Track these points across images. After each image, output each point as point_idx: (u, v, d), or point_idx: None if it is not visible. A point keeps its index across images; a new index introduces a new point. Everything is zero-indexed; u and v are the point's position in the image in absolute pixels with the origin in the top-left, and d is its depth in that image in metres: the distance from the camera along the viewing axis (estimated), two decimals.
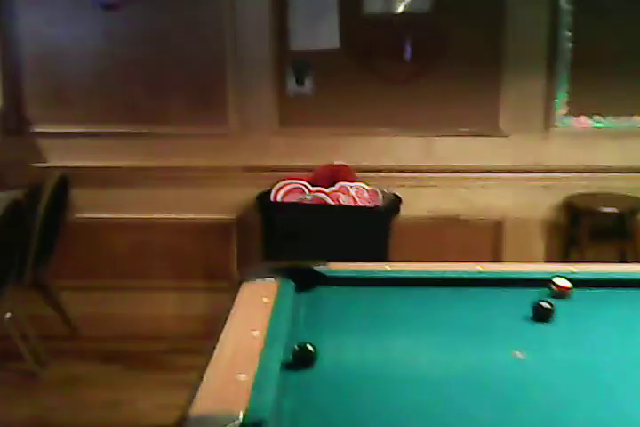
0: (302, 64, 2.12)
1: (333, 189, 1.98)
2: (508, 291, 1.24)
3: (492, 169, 2.17)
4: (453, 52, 2.11)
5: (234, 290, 1.20)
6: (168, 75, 2.14)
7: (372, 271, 1.30)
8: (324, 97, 2.14)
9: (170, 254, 2.22)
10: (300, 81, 2.12)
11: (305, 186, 1.98)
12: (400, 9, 2.07)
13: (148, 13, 2.10)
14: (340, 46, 2.10)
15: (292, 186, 1.98)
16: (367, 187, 2.00)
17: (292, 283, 1.22)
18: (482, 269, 1.30)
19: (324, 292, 1.24)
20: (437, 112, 2.15)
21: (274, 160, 2.16)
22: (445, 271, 1.30)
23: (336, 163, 2.08)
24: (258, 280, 1.22)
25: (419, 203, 2.16)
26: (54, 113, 2.16)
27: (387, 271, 1.30)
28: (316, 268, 1.26)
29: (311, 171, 2.12)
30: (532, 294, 1.19)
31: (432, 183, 2.16)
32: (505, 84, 2.12)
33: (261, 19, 2.10)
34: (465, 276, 1.29)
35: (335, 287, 1.24)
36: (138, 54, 2.13)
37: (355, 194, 1.98)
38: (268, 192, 2.08)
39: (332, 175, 2.02)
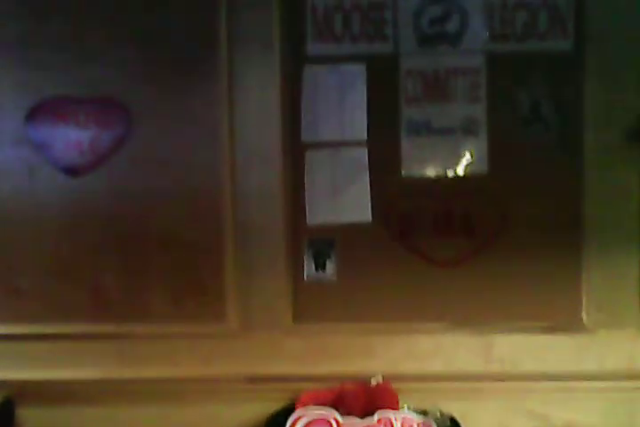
0: (323, 242, 1.66)
1: (371, 422, 1.47)
2: None
3: (573, 375, 1.66)
4: (518, 223, 1.64)
5: None
6: (148, 257, 1.65)
7: None
8: (350, 284, 1.65)
9: None
10: (319, 264, 1.65)
11: (333, 418, 1.46)
12: (450, 172, 1.63)
13: (124, 177, 1.66)
14: (371, 220, 1.65)
15: (313, 416, 1.47)
16: (417, 419, 1.49)
17: None
18: None
19: None
20: (499, 302, 1.65)
21: (286, 367, 1.63)
22: None
23: (373, 382, 1.57)
24: None
25: (476, 421, 1.65)
26: (2, 307, 1.68)
27: None
28: None
29: (336, 380, 1.62)
30: None
31: (494, 395, 1.64)
32: (588, 263, 1.63)
33: (269, 188, 1.66)
34: None
35: None
36: (109, 231, 1.67)
37: None
38: (281, 414, 1.57)
39: (366, 400, 1.52)
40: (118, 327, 1.64)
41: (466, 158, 1.60)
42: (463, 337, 1.63)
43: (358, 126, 1.61)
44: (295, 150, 1.63)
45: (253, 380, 1.62)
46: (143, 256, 1.65)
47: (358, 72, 1.60)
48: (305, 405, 1.47)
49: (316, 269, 1.63)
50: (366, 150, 1.61)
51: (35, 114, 1.63)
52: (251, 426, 1.60)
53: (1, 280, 1.65)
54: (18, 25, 1.63)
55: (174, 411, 1.62)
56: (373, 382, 1.54)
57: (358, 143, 1.62)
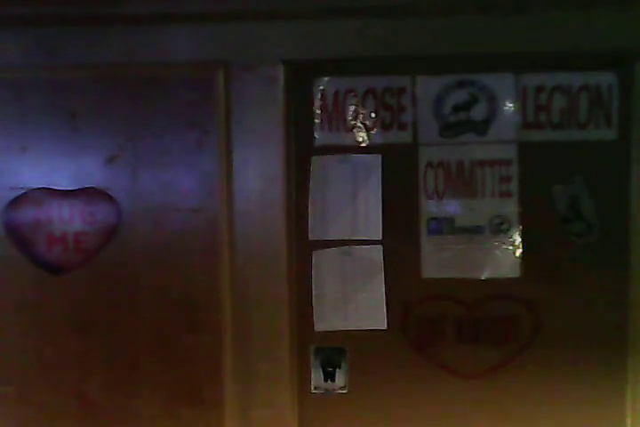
0: (332, 351, 1.50)
1: None
2: None
3: None
4: (552, 333, 1.46)
5: None
6: (138, 361, 1.52)
7: None
8: (363, 397, 1.47)
9: None
10: (328, 375, 1.49)
11: None
12: (476, 276, 1.45)
13: (112, 272, 1.52)
14: (387, 327, 1.48)
15: None
16: None
17: None
18: None
19: None
20: (528, 416, 1.49)
21: None
22: None
23: None
24: None
25: None
26: None
27: None
28: None
29: None
30: None
31: None
32: (634, 378, 1.46)
33: (273, 291, 1.50)
34: None
35: None
36: (96, 331, 1.52)
37: None
38: None
39: None
40: None
41: (495, 260, 1.43)
42: None
43: (373, 224, 1.44)
44: (301, 249, 1.47)
45: None
46: (132, 360, 1.50)
47: (373, 163, 1.43)
48: None
49: (325, 379, 1.47)
50: (381, 249, 1.45)
51: (16, 204, 1.50)
52: None
53: None
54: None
55: None
56: None
57: (372, 242, 1.45)
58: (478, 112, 1.41)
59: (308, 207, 1.45)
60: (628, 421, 1.43)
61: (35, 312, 1.51)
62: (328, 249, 1.46)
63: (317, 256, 1.46)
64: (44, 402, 1.51)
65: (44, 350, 1.51)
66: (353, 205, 1.44)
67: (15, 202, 1.48)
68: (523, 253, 1.41)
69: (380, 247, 1.44)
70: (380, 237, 1.43)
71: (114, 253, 1.50)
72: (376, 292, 1.45)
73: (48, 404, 1.52)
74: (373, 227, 1.44)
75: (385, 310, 1.45)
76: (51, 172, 1.49)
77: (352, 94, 1.42)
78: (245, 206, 1.48)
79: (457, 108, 1.41)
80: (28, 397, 1.52)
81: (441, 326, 1.45)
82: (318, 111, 1.43)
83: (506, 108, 1.40)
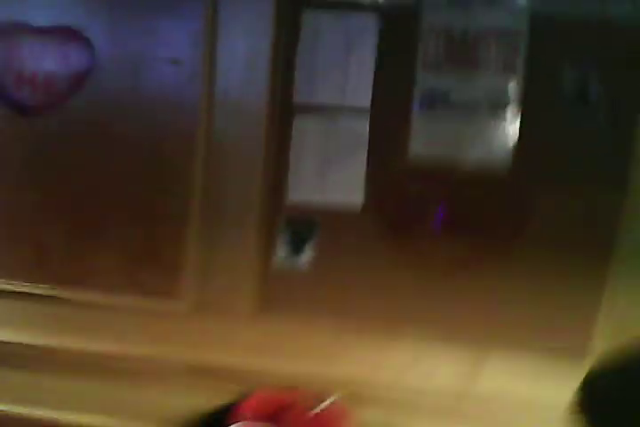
0: (303, 223, 1.42)
1: None
2: None
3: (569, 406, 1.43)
4: (538, 231, 1.36)
5: None
6: (101, 215, 1.44)
7: None
8: (327, 275, 1.40)
9: None
10: (295, 248, 1.42)
11: None
12: (467, 157, 1.34)
13: (82, 121, 1.43)
14: (363, 203, 1.40)
15: None
16: None
17: None
18: None
19: None
20: (498, 316, 1.40)
21: (240, 359, 1.40)
22: None
23: (326, 403, 1.35)
24: None
25: None
26: None
27: None
28: None
29: (292, 381, 1.40)
30: None
31: (472, 418, 1.42)
32: (612, 287, 1.36)
33: (249, 152, 1.41)
34: None
35: None
36: (61, 181, 1.45)
37: None
38: (221, 412, 1.38)
39: (314, 424, 1.30)
40: (60, 291, 1.46)
41: (488, 141, 1.32)
42: (446, 352, 1.39)
43: (362, 90, 1.33)
44: (284, 113, 1.37)
45: (199, 369, 1.43)
46: (95, 213, 1.43)
47: (369, 24, 1.31)
48: (246, 411, 1.28)
49: (291, 252, 1.40)
50: (368, 121, 1.34)
51: None
52: (188, 419, 1.42)
53: None
54: None
55: (110, 389, 1.44)
56: (327, 403, 1.31)
57: (359, 111, 1.34)
58: None
59: (294, 67, 1.34)
60: (600, 322, 1.35)
61: None
62: (311, 115, 1.36)
63: (300, 122, 1.36)
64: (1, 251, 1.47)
65: (5, 194, 1.45)
66: (344, 67, 1.33)
67: None
68: (520, 135, 1.31)
69: (366, 117, 1.34)
70: (368, 104, 1.33)
71: (85, 99, 1.40)
72: (356, 165, 1.36)
73: (3, 252, 1.47)
74: (363, 93, 1.33)
75: (363, 185, 1.36)
76: (22, 4, 1.38)
77: None
78: (229, 64, 1.37)
79: None
80: None
81: (420, 210, 1.36)
82: None
83: None
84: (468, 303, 1.37)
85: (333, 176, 1.36)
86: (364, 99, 1.33)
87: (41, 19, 1.38)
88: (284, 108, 1.36)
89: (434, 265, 1.36)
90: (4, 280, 1.47)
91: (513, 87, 1.29)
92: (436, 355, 1.38)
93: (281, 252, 1.40)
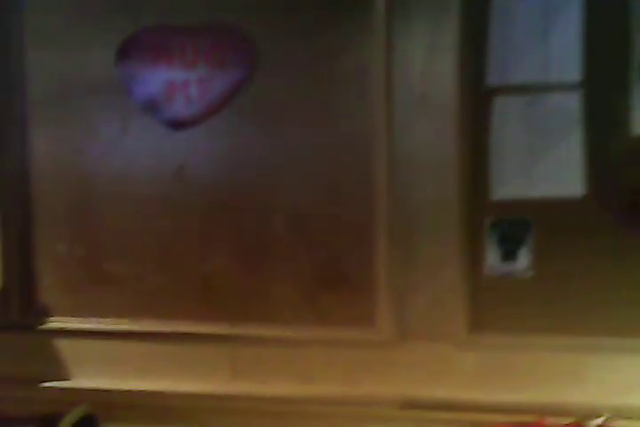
0: (513, 224, 1.22)
1: None
2: None
3: None
4: None
5: None
6: (274, 239, 1.25)
7: None
8: (549, 282, 1.17)
9: None
10: (508, 254, 1.22)
11: None
12: None
13: (241, 134, 1.27)
14: (583, 194, 1.20)
15: None
16: None
17: None
18: None
19: None
20: None
21: (455, 391, 1.19)
22: None
23: (592, 425, 1.13)
24: None
25: None
26: (84, 296, 1.32)
27: None
28: None
29: (525, 412, 1.18)
30: None
31: None
32: None
33: (439, 149, 1.23)
34: None
35: None
36: (222, 204, 1.28)
37: None
38: None
39: None
40: (232, 328, 1.25)
41: None
42: None
43: (569, 64, 1.16)
44: (477, 98, 1.19)
45: (410, 405, 1.21)
46: (267, 237, 1.25)
47: None
48: None
49: (503, 259, 1.20)
50: (579, 97, 1.16)
51: (128, 48, 1.26)
52: None
53: (85, 264, 1.30)
54: None
55: None
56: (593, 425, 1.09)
57: (568, 87, 1.17)
58: None
59: (486, 46, 1.18)
60: None
61: (148, 176, 1.27)
62: (510, 97, 1.18)
63: (499, 104, 1.18)
64: (155, 285, 1.28)
65: (158, 221, 1.27)
66: (544, 42, 1.16)
67: (127, 45, 1.25)
68: None
69: (577, 94, 1.16)
70: (577, 79, 1.15)
71: (244, 108, 1.25)
72: (571, 150, 1.17)
73: (160, 288, 1.28)
74: (570, 68, 1.16)
75: (581, 173, 1.17)
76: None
77: None
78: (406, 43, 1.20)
79: None
80: (138, 279, 1.28)
81: None
82: None
83: None
84: None
85: (544, 165, 1.17)
86: (573, 73, 1.16)
87: (187, 17, 1.24)
88: (476, 94, 1.19)
89: None
90: (162, 321, 1.27)
91: None
92: None
93: (490, 259, 1.20)
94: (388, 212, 1.20)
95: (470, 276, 1.19)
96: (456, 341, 1.19)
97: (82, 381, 1.27)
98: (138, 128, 1.26)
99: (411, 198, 1.20)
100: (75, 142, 1.29)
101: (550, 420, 1.11)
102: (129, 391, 1.24)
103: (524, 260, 1.18)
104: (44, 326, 1.29)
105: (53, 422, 1.13)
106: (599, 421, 1.06)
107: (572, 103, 1.16)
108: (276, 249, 1.24)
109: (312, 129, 1.22)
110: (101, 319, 1.27)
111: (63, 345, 1.28)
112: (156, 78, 1.24)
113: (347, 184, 1.22)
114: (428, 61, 1.19)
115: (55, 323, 1.28)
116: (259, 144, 1.24)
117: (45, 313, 1.28)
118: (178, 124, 1.24)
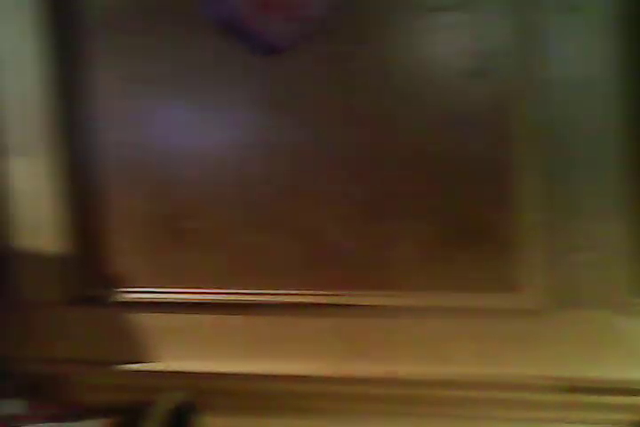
0: None
1: None
2: None
3: None
4: None
5: None
6: (392, 185, 1.04)
7: None
8: None
9: None
10: None
11: None
12: None
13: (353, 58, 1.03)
14: None
15: None
16: None
17: None
18: None
19: None
20: None
21: (628, 370, 0.99)
22: None
23: None
24: None
25: None
26: (165, 262, 1.13)
27: None
28: None
29: None
30: None
31: None
32: None
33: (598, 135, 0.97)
34: None
35: None
36: (335, 150, 1.05)
37: None
38: None
39: None
40: (345, 296, 1.04)
41: None
42: None
43: None
44: None
45: (567, 388, 1.00)
46: (384, 186, 1.03)
47: None
48: None
49: None
50: None
51: None
52: None
53: (167, 224, 1.09)
54: None
55: None
56: None
57: None
58: None
59: None
60: None
61: (238, 114, 1.05)
62: None
63: None
64: (256, 250, 1.06)
65: (254, 174, 1.05)
66: None
67: None
68: None
69: None
70: None
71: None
72: None
73: (264, 252, 1.06)
74: None
75: None
76: None
77: None
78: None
79: None
80: (233, 244, 1.07)
81: None
82: None
83: None
84: None
85: None
86: None
87: None
88: None
89: None
90: (265, 290, 1.06)
91: None
92: None
93: None
94: (541, 149, 0.97)
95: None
96: (624, 309, 0.98)
97: (168, 363, 1.07)
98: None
99: (566, 135, 0.97)
100: None
101: None
102: (224, 374, 1.05)
103: None
104: (120, 298, 1.10)
105: (143, 412, 0.94)
106: None
107: None
108: (396, 200, 1.02)
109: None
110: (187, 289, 1.07)
111: (144, 321, 1.09)
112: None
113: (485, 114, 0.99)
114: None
115: (133, 294, 1.09)
116: (374, 74, 1.01)
117: (121, 283, 1.09)
118: (272, 50, 1.01)
